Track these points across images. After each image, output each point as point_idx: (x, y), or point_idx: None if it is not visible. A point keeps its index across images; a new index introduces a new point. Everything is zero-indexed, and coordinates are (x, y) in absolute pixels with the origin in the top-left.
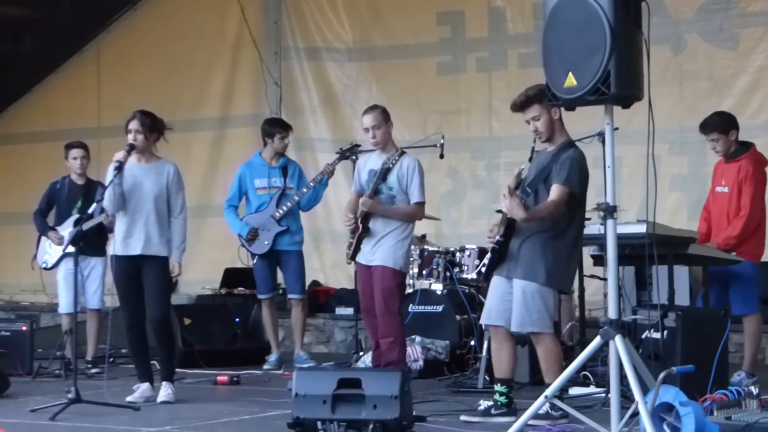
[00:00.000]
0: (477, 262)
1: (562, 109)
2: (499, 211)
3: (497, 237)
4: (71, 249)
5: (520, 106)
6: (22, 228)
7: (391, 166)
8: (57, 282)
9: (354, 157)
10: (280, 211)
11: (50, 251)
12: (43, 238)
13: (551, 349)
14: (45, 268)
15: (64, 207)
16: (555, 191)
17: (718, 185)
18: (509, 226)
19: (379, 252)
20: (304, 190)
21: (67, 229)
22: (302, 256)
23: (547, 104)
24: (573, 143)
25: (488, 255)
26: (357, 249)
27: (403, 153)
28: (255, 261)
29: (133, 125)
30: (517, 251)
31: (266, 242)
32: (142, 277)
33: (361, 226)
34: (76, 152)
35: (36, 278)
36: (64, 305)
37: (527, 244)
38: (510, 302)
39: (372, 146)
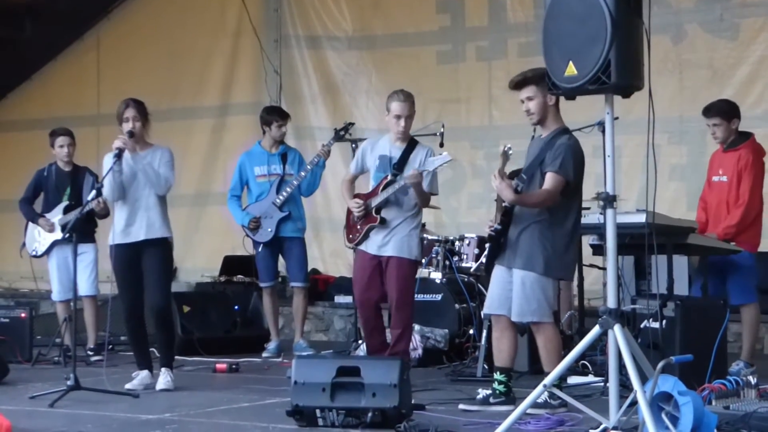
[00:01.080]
0: (476, 251)
1: (560, 97)
2: (498, 200)
3: (495, 225)
4: (61, 236)
5: (517, 84)
6: (22, 215)
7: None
8: (49, 270)
9: (350, 134)
10: (281, 197)
11: (39, 239)
12: (31, 226)
13: (551, 339)
14: (35, 256)
15: (53, 194)
16: (549, 180)
17: (714, 175)
18: (506, 213)
19: (393, 242)
20: (302, 174)
21: (56, 217)
22: (305, 244)
23: (543, 88)
24: (568, 130)
25: (487, 245)
26: (365, 237)
27: (416, 142)
28: (260, 249)
29: (131, 113)
30: (516, 240)
31: (269, 229)
32: (141, 263)
33: (378, 218)
34: (62, 140)
35: (35, 265)
36: (57, 293)
37: (526, 233)
38: (511, 291)
39: (396, 134)
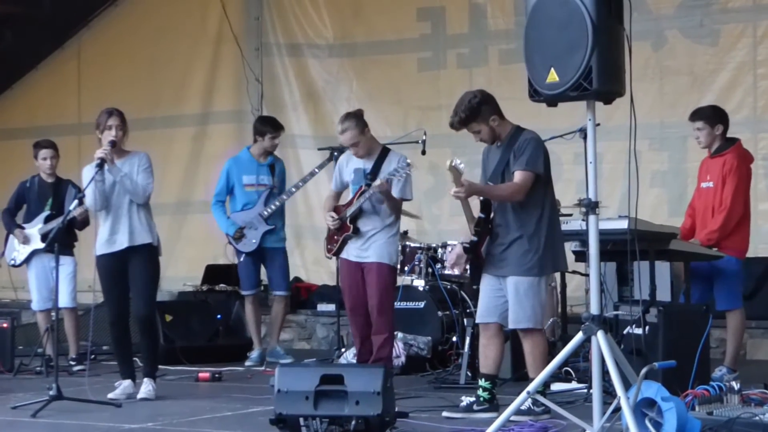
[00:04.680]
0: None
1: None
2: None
3: (471, 238)
4: (41, 246)
5: (459, 126)
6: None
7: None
8: (28, 279)
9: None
10: (268, 210)
11: (19, 248)
12: (11, 235)
13: (538, 344)
14: (13, 265)
15: (35, 205)
16: (518, 176)
17: (703, 181)
18: (479, 223)
19: (373, 248)
20: (293, 189)
21: (36, 226)
22: (287, 253)
23: (483, 117)
24: (521, 128)
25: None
26: (342, 247)
27: (388, 150)
28: (242, 258)
29: (114, 121)
30: (504, 252)
31: (254, 240)
32: (127, 271)
33: (351, 227)
34: (45, 152)
35: (14, 275)
36: (37, 302)
37: (513, 246)
38: (500, 298)
39: (357, 158)
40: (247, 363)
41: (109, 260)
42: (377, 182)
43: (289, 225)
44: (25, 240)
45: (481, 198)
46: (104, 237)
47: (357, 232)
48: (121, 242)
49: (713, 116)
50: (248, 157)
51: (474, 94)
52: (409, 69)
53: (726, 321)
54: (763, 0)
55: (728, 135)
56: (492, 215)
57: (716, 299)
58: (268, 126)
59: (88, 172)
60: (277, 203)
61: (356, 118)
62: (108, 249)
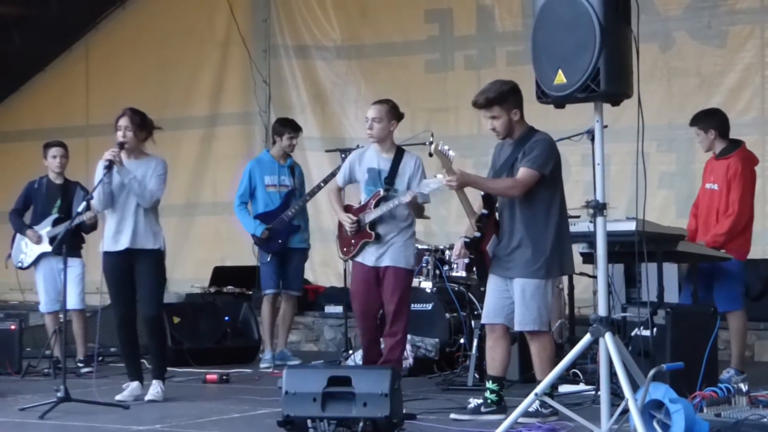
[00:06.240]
0: (467, 260)
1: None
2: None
3: (474, 234)
4: (49, 248)
5: (481, 106)
6: (10, 226)
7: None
8: (36, 282)
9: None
10: (292, 211)
11: (26, 250)
12: (18, 237)
13: (545, 347)
14: (21, 268)
15: (43, 206)
16: (521, 172)
17: (707, 182)
18: (480, 219)
19: (390, 253)
20: (315, 190)
21: (45, 229)
22: (306, 255)
23: (507, 106)
24: (534, 129)
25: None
26: (360, 251)
27: (402, 152)
28: (268, 259)
29: (123, 122)
30: (511, 253)
31: (279, 241)
32: (133, 272)
33: (372, 234)
34: (55, 151)
35: (22, 277)
36: (45, 304)
37: (521, 246)
38: (507, 299)
39: (367, 137)
40: (262, 364)
41: (113, 258)
42: (407, 197)
43: None
44: (38, 239)
45: (482, 193)
46: (110, 233)
47: (378, 238)
48: (123, 242)
49: (705, 120)
50: (269, 158)
51: (506, 81)
52: (417, 71)
53: (727, 323)
54: None
55: (736, 137)
56: (495, 212)
57: (716, 300)
58: (288, 127)
59: (101, 167)
60: (301, 204)
61: (392, 105)
62: (113, 247)
